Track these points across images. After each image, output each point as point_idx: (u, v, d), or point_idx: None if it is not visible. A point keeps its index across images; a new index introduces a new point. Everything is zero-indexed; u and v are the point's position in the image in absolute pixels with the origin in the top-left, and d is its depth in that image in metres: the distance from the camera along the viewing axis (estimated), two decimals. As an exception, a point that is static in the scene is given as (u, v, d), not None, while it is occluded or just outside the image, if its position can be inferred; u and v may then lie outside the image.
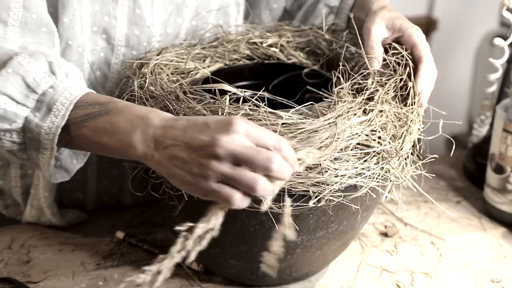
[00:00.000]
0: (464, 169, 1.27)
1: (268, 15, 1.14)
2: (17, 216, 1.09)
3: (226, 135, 0.68)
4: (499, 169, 1.08)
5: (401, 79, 0.88)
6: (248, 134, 0.69)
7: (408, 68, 0.89)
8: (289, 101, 0.83)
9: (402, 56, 0.91)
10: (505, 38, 1.09)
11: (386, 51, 0.93)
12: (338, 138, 0.77)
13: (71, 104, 0.76)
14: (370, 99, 0.85)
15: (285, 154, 0.70)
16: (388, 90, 0.86)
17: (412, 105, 0.87)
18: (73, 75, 0.82)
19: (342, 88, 0.85)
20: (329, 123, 0.78)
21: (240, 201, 0.70)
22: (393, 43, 0.93)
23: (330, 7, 1.07)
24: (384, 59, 0.91)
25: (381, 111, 0.83)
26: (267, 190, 0.69)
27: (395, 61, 0.90)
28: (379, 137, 0.81)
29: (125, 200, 1.12)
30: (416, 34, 0.93)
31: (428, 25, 2.08)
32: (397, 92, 0.87)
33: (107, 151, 0.76)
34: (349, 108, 0.81)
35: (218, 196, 0.70)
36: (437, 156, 0.88)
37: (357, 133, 0.79)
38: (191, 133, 0.70)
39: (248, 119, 0.76)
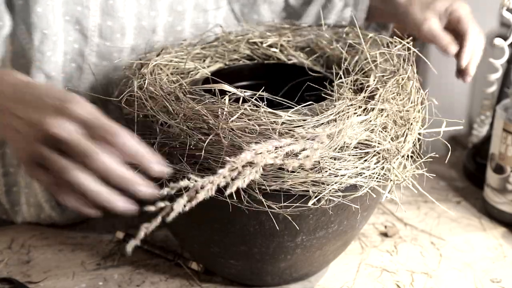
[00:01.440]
0: (464, 169, 1.27)
1: (267, 10, 1.12)
2: (2, 215, 1.09)
3: (55, 118, 0.65)
4: (499, 169, 1.08)
5: (402, 78, 0.88)
6: (80, 120, 0.65)
7: (410, 65, 0.90)
8: (288, 101, 0.83)
9: (408, 48, 0.91)
10: (505, 38, 1.09)
11: (388, 46, 0.93)
12: (340, 132, 0.77)
13: None
14: (371, 97, 0.85)
15: (119, 140, 0.65)
16: (389, 89, 0.85)
17: (414, 103, 0.87)
18: None
19: (342, 83, 0.85)
20: (329, 120, 0.78)
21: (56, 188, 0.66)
22: (396, 37, 0.93)
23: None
24: (386, 53, 0.91)
25: (382, 110, 0.83)
26: (94, 192, 0.64)
27: (397, 55, 0.90)
28: (380, 135, 0.81)
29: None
30: (459, 9, 0.97)
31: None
32: (399, 90, 0.87)
33: None
34: (349, 105, 0.81)
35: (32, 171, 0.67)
36: (437, 156, 0.88)
37: (357, 132, 0.79)
38: (23, 106, 0.68)
39: (248, 119, 0.76)
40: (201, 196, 0.69)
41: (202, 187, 0.70)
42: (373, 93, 0.85)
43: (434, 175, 0.89)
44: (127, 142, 0.65)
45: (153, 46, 0.98)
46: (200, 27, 1.06)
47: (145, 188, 0.66)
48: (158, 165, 0.66)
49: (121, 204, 0.65)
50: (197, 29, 1.05)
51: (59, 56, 0.96)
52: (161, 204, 0.67)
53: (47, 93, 0.68)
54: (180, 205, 0.68)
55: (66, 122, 0.64)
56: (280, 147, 0.73)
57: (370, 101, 0.83)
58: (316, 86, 0.91)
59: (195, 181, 0.69)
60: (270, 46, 1.02)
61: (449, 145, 0.91)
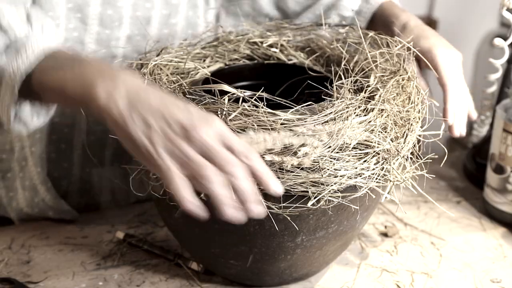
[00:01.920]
0: (464, 169, 1.27)
1: (248, 6, 1.13)
2: None
3: (204, 126, 0.68)
4: (499, 169, 1.08)
5: (403, 78, 0.88)
6: (222, 135, 0.69)
7: (411, 66, 0.90)
8: (288, 102, 0.83)
9: (408, 48, 0.91)
10: (505, 38, 1.09)
11: (388, 46, 0.93)
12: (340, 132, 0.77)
13: (42, 52, 0.76)
14: (371, 98, 0.85)
15: (254, 165, 0.69)
16: (390, 89, 0.85)
17: (414, 104, 0.87)
18: (49, 30, 0.81)
19: (342, 84, 0.85)
20: (328, 119, 0.78)
21: (187, 195, 0.68)
22: (397, 37, 0.93)
23: (343, 17, 1.07)
24: (385, 54, 0.91)
25: (382, 110, 0.83)
26: (221, 193, 0.68)
27: (397, 55, 0.90)
28: (380, 136, 0.81)
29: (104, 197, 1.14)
30: (438, 57, 0.92)
31: (428, 25, 2.08)
32: (399, 91, 0.87)
33: (69, 100, 0.75)
34: (348, 104, 0.81)
35: (166, 176, 0.68)
36: (437, 157, 0.88)
37: (357, 133, 0.79)
38: (171, 107, 0.69)
39: (247, 119, 0.77)
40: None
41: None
42: (373, 94, 0.85)
43: (434, 176, 0.89)
44: (259, 162, 0.70)
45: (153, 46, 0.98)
46: (191, 21, 1.08)
47: (259, 208, 0.70)
48: (277, 185, 0.71)
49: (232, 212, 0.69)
50: (188, 23, 1.08)
51: (60, 41, 0.97)
52: None
53: (185, 104, 0.71)
54: None
55: (213, 132, 0.69)
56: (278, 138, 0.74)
57: (370, 101, 0.83)
58: (316, 85, 0.91)
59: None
60: (270, 46, 1.02)
61: (445, 149, 0.91)
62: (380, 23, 1.03)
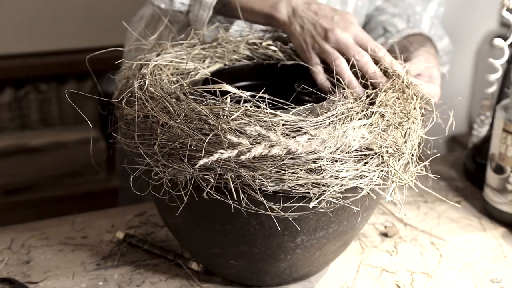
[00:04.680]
0: (464, 169, 1.27)
1: None
2: None
3: (339, 30, 0.92)
4: (499, 169, 1.08)
5: (402, 81, 0.88)
6: (356, 36, 0.93)
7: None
8: (289, 103, 0.83)
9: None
10: (505, 38, 1.09)
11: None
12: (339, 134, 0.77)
13: None
14: (372, 100, 0.85)
15: (382, 55, 0.91)
16: (389, 92, 0.86)
17: (414, 107, 0.87)
18: None
19: (344, 89, 0.85)
20: (330, 122, 0.78)
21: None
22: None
23: (386, 30, 1.16)
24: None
25: (383, 114, 0.83)
26: (345, 71, 0.91)
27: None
28: (381, 138, 0.81)
29: None
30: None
31: (428, 25, 2.08)
32: (399, 94, 0.87)
33: (255, 15, 1.00)
34: (350, 108, 0.81)
35: (309, 63, 0.95)
36: (439, 154, 0.88)
37: (358, 136, 0.79)
38: (320, 19, 0.94)
39: (248, 120, 0.77)
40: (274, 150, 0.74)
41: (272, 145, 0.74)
42: (374, 97, 0.85)
43: (439, 176, 0.89)
44: (384, 52, 0.93)
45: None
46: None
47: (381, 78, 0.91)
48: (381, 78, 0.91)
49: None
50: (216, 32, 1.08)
51: None
52: (242, 141, 0.74)
53: (330, 8, 0.95)
54: (258, 150, 0.73)
55: (348, 33, 0.93)
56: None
57: (371, 106, 0.83)
58: (313, 89, 0.92)
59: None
60: (270, 45, 1.02)
61: (445, 148, 0.91)
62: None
